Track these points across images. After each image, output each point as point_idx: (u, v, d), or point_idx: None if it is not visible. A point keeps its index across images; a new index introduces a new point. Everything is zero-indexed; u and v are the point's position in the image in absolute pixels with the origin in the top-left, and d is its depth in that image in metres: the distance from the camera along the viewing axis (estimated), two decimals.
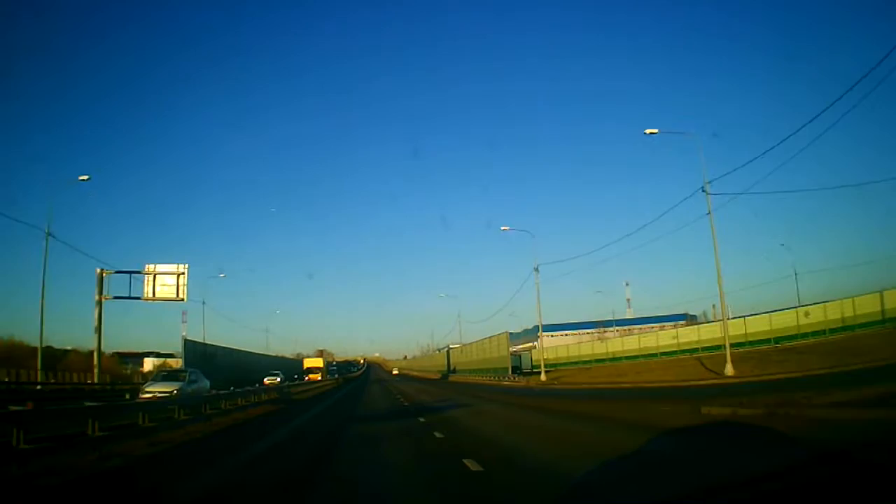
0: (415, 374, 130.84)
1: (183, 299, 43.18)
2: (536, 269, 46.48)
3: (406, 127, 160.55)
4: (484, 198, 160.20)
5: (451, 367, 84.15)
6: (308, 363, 73.14)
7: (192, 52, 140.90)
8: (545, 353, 76.81)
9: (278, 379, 46.79)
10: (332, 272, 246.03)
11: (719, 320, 64.94)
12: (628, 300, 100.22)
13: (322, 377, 62.45)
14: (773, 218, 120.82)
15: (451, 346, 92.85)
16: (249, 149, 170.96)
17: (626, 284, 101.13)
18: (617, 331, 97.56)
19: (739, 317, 55.23)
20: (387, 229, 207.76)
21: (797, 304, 54.62)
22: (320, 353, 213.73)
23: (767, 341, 48.61)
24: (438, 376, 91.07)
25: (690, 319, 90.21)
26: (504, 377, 50.16)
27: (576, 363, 73.55)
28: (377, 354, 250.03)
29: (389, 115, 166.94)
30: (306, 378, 57.17)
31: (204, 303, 58.96)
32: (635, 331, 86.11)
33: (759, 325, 51.37)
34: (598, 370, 56.79)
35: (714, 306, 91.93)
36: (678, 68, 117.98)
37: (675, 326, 79.84)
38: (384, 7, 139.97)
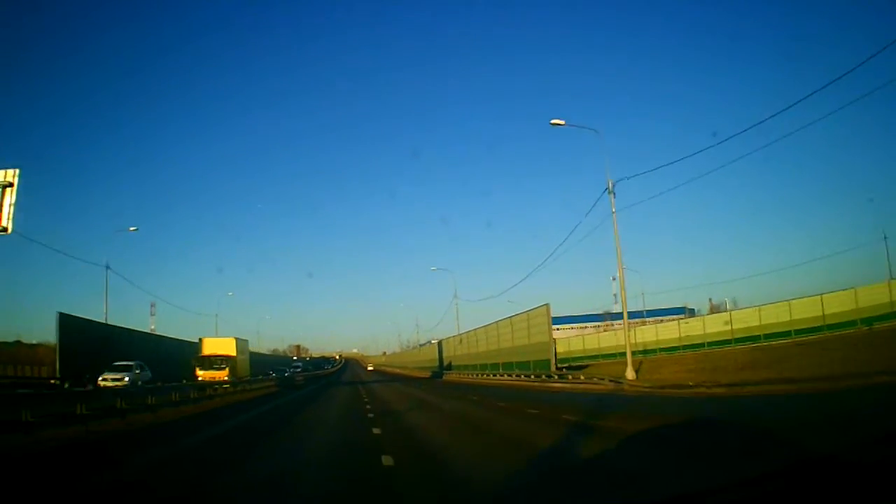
0: (396, 370, 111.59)
1: (6, 230, 22.65)
2: (611, 191, 27.36)
3: (406, 125, 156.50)
4: (484, 197, 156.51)
5: (446, 363, 64.62)
6: (209, 347, 40.67)
7: (190, 48, 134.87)
8: (559, 346, 59.50)
9: (126, 379, 26.31)
10: (321, 269, 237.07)
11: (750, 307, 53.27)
12: (615, 295, 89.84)
13: (233, 375, 37.26)
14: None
15: (432, 339, 77.22)
16: (244, 146, 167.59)
17: (614, 279, 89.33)
18: (614, 325, 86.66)
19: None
20: (383, 227, 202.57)
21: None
22: (296, 349, 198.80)
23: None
24: (428, 374, 71.83)
25: (689, 313, 79.98)
26: (546, 376, 31.01)
27: (595, 357, 60.86)
28: (355, 350, 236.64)
29: (389, 114, 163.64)
30: (198, 378, 35.07)
31: (108, 268, 39.63)
32: (648, 323, 73.83)
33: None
34: (669, 362, 40.24)
35: (710, 299, 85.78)
36: (680, 66, 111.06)
37: (673, 319, 69.76)
38: (384, 5, 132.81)
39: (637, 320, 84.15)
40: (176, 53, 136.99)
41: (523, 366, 36.58)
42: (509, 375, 37.72)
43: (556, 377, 29.85)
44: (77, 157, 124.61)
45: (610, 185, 27.81)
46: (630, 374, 25.50)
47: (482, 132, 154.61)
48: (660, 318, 78.74)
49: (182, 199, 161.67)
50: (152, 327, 54.39)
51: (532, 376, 32.79)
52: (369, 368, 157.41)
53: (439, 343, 70.38)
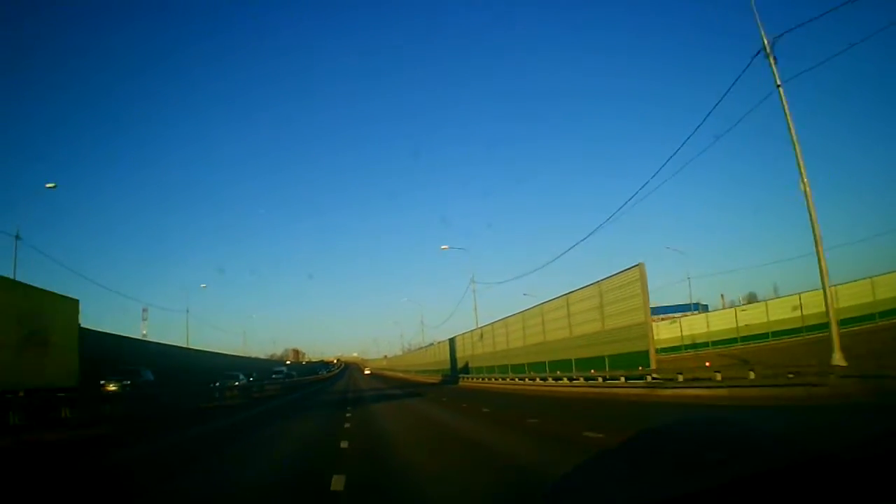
0: (398, 375, 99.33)
1: None
2: (769, 53, 15.63)
3: (406, 127, 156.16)
4: (484, 198, 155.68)
5: (461, 365, 52.50)
6: None
7: (189, 50, 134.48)
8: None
9: None
10: (321, 273, 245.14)
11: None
12: None
13: None
14: None
15: (435, 340, 65.81)
16: (245, 148, 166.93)
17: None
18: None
19: None
20: (384, 229, 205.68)
21: None
22: (296, 354, 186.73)
23: None
24: (438, 379, 59.59)
25: (703, 308, 71.84)
26: (653, 378, 18.89)
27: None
28: (355, 354, 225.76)
29: (389, 115, 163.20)
30: None
31: (18, 237, 28.76)
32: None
33: None
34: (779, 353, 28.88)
35: (722, 296, 79.46)
36: (681, 67, 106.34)
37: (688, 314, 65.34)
38: (384, 7, 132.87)
39: (682, 314, 72.42)
40: (176, 57, 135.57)
41: (592, 363, 24.47)
42: (569, 379, 25.55)
43: (679, 377, 17.62)
44: (78, 159, 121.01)
45: (766, 44, 15.88)
46: (840, 359, 13.54)
47: (482, 133, 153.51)
48: (671, 314, 68.43)
49: (184, 201, 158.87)
50: (144, 333, 50.96)
51: (622, 378, 20.50)
52: (366, 372, 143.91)
53: (451, 341, 58.18)
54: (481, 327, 45.68)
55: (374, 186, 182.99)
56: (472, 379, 45.30)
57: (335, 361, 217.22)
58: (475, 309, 49.50)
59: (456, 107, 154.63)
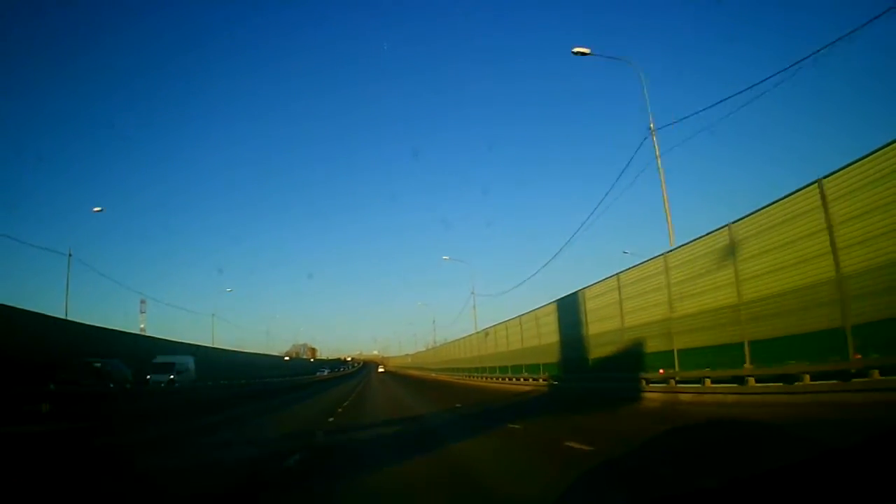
0: (432, 375, 69.12)
1: None
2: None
3: (406, 127, 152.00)
4: (484, 198, 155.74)
5: (614, 349, 21.19)
6: None
7: (192, 53, 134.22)
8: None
9: None
10: (331, 271, 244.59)
11: None
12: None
13: None
14: None
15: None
16: (249, 149, 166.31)
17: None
18: None
19: None
20: (387, 229, 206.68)
21: None
22: (312, 351, 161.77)
23: None
24: (541, 385, 28.37)
25: None
26: None
27: None
28: (375, 352, 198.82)
29: (389, 116, 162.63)
30: None
31: None
32: None
33: None
34: None
35: None
36: (680, 69, 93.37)
37: None
38: (384, 8, 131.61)
39: None
40: (177, 59, 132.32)
41: None
42: None
43: None
44: (79, 159, 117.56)
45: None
46: None
47: (482, 134, 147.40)
48: None
49: (188, 203, 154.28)
50: (142, 326, 49.00)
51: None
52: (379, 370, 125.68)
53: (567, 301, 26.74)
54: (728, 226, 14.43)
55: (376, 184, 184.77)
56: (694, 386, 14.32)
57: (349, 360, 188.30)
58: (666, 209, 18.32)
59: (456, 107, 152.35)
